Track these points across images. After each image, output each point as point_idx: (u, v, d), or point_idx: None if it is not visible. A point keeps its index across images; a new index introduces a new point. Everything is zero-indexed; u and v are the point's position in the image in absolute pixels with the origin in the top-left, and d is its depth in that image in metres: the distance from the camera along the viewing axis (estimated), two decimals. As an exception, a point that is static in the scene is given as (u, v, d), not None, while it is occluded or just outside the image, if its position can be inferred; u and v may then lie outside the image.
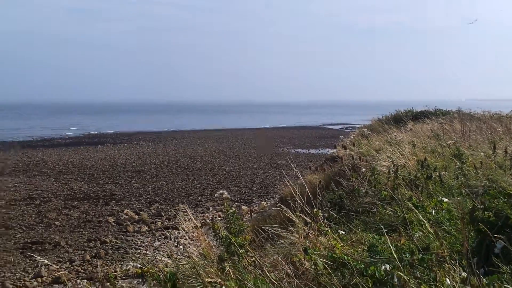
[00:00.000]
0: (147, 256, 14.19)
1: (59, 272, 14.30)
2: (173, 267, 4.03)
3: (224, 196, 4.65)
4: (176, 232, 18.48)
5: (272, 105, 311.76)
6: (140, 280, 3.76)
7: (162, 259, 4.57)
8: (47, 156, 42.78)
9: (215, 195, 4.89)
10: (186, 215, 4.91)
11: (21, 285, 13.38)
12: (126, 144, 55.37)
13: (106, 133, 76.15)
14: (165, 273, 3.67)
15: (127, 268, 14.15)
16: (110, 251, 16.46)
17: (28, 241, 17.48)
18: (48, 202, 23.68)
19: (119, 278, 12.95)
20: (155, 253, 15.47)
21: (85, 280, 13.59)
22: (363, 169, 8.84)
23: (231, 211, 4.37)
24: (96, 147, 51.62)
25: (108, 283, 3.71)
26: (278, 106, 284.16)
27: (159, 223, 19.93)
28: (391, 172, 7.74)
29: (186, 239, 16.43)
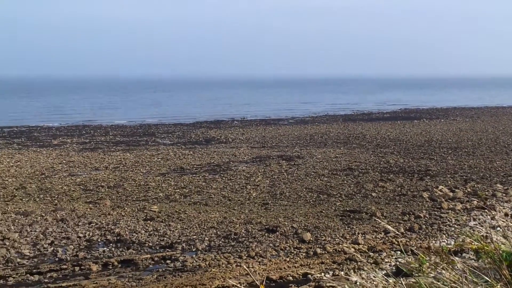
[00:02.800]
0: (479, 233, 13.93)
1: (374, 241, 15.03)
2: (509, 247, 3.97)
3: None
4: (493, 213, 17.71)
5: None
6: (471, 255, 3.83)
7: (497, 238, 4.52)
8: (366, 129, 44.65)
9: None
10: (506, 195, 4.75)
11: (339, 249, 14.42)
12: (442, 120, 54.41)
13: (422, 108, 75.81)
14: (500, 252, 3.64)
15: (461, 242, 14.07)
16: (424, 225, 16.58)
17: (347, 209, 18.67)
18: (365, 174, 24.84)
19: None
20: (489, 231, 15.04)
21: (398, 252, 14.00)
22: None
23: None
24: (412, 122, 51.90)
25: (444, 255, 3.88)
26: None
27: (475, 202, 19.27)
28: None
29: (504, 220, 15.64)
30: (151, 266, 13.63)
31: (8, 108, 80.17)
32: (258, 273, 12.69)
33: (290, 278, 12.47)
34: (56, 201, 20.24)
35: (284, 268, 13.17)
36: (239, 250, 14.50)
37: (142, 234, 16.06)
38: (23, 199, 20.50)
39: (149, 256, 14.15)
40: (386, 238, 15.34)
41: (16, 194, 21.29)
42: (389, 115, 62.72)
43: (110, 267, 13.51)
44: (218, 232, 16.12)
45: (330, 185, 22.51)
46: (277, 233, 15.95)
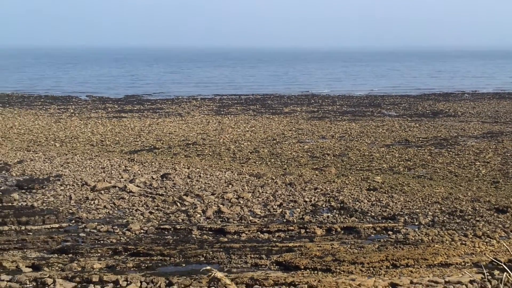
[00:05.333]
0: None
1: None
2: None
3: None
4: None
5: None
6: None
7: None
8: None
9: None
10: None
11: None
12: None
13: None
14: None
15: None
16: None
17: None
18: None
19: None
20: None
21: None
22: None
23: None
24: None
25: None
26: None
27: None
28: None
29: None
30: (372, 235, 13.90)
31: (239, 77, 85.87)
32: (485, 254, 12.22)
33: (520, 262, 11.76)
34: (285, 165, 21.52)
35: (514, 251, 12.45)
36: (464, 228, 14.04)
37: (364, 203, 16.39)
38: (256, 162, 22.17)
39: (371, 225, 14.42)
40: None
41: (250, 157, 23.10)
42: None
43: (333, 233, 14.08)
44: (443, 208, 15.76)
45: None
46: (508, 214, 15.08)
